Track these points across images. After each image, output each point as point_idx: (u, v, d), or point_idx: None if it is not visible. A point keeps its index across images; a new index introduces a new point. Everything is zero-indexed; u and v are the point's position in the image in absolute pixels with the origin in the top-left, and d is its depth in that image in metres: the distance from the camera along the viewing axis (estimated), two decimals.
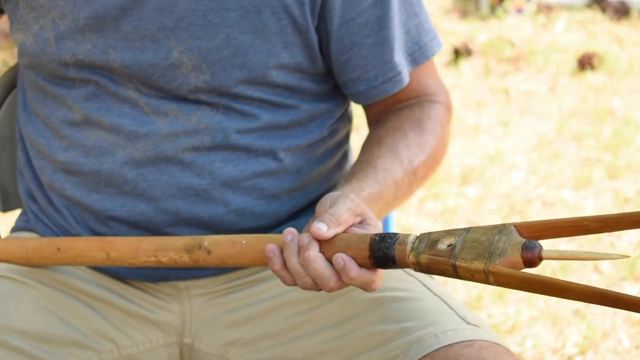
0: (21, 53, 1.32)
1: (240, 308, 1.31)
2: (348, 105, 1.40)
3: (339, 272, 1.07)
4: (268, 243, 1.12)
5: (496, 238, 1.01)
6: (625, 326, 2.35)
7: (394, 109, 1.34)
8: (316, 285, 1.09)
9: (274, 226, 1.32)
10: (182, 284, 1.32)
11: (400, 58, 1.30)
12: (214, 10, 1.22)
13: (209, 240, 1.17)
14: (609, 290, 0.94)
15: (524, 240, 1.00)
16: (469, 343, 1.15)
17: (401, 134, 1.28)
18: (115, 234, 1.30)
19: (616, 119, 3.90)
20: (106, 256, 1.22)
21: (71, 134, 1.29)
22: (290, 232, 1.09)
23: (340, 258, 1.05)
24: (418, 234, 1.07)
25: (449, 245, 1.03)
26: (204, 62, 1.23)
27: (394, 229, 1.59)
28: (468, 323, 1.19)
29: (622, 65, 4.53)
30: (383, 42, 1.28)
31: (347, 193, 1.13)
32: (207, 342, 1.31)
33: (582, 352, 2.24)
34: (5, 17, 1.36)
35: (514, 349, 2.26)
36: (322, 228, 1.07)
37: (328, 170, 1.37)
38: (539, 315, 2.40)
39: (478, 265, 1.00)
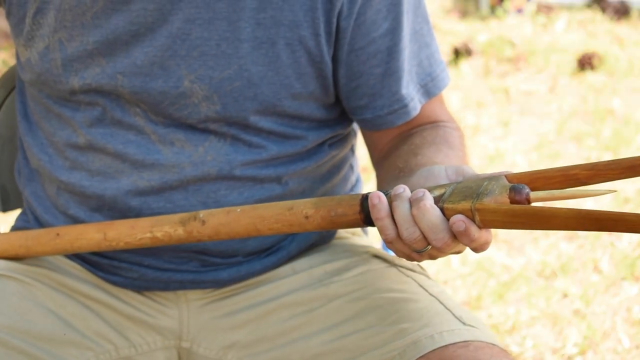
0: (24, 68, 1.30)
1: (237, 311, 1.30)
2: (353, 122, 1.39)
3: (458, 236, 1.02)
4: (264, 210, 1.13)
5: (485, 183, 1.01)
6: (625, 326, 2.35)
7: (411, 133, 1.32)
8: (424, 241, 1.04)
9: (278, 243, 1.33)
10: (180, 291, 1.32)
11: (409, 90, 1.29)
12: (228, 40, 1.20)
13: (204, 212, 1.18)
14: (593, 210, 0.93)
15: (511, 184, 1.00)
16: (465, 344, 1.15)
17: (434, 147, 1.25)
18: (116, 256, 1.30)
19: (616, 119, 3.91)
20: (103, 236, 1.22)
21: (75, 157, 1.28)
22: (402, 185, 1.06)
23: (462, 221, 1.01)
24: None
25: (439, 195, 1.03)
26: (215, 92, 1.22)
27: None
28: (464, 324, 1.19)
29: (622, 65, 4.53)
30: (391, 73, 1.26)
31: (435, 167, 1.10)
32: (205, 346, 1.31)
33: (582, 352, 2.24)
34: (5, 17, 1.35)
35: (514, 349, 2.26)
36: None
37: (334, 186, 1.37)
38: (539, 315, 2.40)
39: (465, 204, 0.99)
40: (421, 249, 1.05)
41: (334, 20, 1.22)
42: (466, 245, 1.04)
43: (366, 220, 1.07)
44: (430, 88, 1.31)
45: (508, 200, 0.99)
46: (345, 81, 1.27)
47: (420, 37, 1.29)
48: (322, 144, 1.32)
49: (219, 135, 1.25)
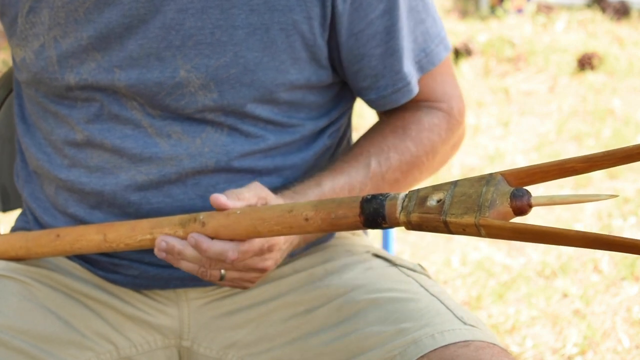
0: (20, 68, 1.30)
1: (238, 311, 1.30)
2: (349, 112, 1.39)
3: (197, 250, 1.14)
4: (265, 212, 1.12)
5: (484, 189, 1.00)
6: (625, 326, 2.36)
7: (389, 111, 1.34)
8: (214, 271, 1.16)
9: None
10: (180, 289, 1.32)
11: (409, 68, 1.30)
12: (222, 28, 1.21)
13: (204, 214, 1.18)
14: (602, 234, 0.93)
15: (512, 189, 0.99)
16: (466, 344, 1.15)
17: (379, 137, 1.29)
18: (116, 253, 1.30)
19: (616, 119, 3.91)
20: (103, 238, 1.22)
21: (74, 154, 1.28)
22: (162, 245, 1.16)
23: (191, 236, 1.14)
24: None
25: (438, 201, 1.02)
26: (212, 80, 1.22)
27: (393, 239, 1.60)
28: (465, 323, 1.19)
29: (622, 65, 4.53)
30: (392, 52, 1.27)
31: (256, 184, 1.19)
32: (206, 345, 1.31)
33: (582, 352, 2.24)
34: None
35: (514, 349, 2.26)
36: (221, 197, 1.13)
37: None
38: (539, 315, 2.40)
39: (468, 219, 0.99)
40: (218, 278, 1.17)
41: (328, 3, 1.22)
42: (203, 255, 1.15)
43: (366, 222, 1.07)
44: (424, 64, 1.32)
45: (510, 210, 0.98)
46: (347, 64, 1.28)
47: (416, 13, 1.30)
48: (318, 133, 1.32)
49: (216, 125, 1.25)
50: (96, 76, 1.23)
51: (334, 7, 1.22)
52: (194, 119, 1.25)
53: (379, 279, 1.28)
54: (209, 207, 1.25)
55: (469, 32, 5.08)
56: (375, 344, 1.19)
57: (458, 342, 1.15)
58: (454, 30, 5.13)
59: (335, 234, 1.39)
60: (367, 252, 1.35)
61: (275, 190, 1.22)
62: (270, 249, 1.16)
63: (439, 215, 1.01)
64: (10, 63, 1.39)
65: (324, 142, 1.32)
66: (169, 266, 1.29)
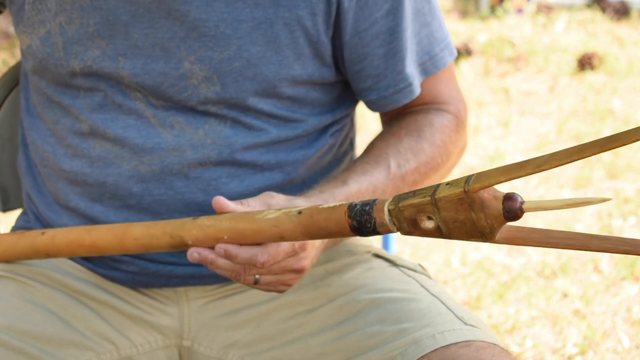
0: (26, 56, 1.30)
1: (238, 310, 1.30)
2: (353, 113, 1.40)
3: (227, 258, 1.11)
4: (253, 217, 1.10)
5: (474, 216, 0.95)
6: (625, 326, 2.36)
7: (400, 115, 1.34)
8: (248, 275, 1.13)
9: None
10: (181, 288, 1.32)
11: (412, 69, 1.30)
12: (226, 21, 1.21)
13: (192, 239, 1.14)
14: (597, 235, 0.92)
15: (500, 208, 0.94)
16: (466, 344, 1.15)
17: (395, 140, 1.28)
18: None
19: (616, 118, 3.91)
20: (92, 246, 1.21)
21: (77, 143, 1.28)
22: (194, 257, 1.13)
23: (219, 247, 1.10)
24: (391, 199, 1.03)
25: (434, 226, 0.98)
26: (215, 73, 1.22)
27: (393, 239, 1.60)
28: (465, 323, 1.19)
29: (622, 65, 4.53)
30: (395, 52, 1.27)
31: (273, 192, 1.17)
32: (206, 345, 1.31)
33: (582, 352, 2.24)
34: (5, 18, 1.35)
35: (514, 349, 2.26)
36: (222, 199, 1.12)
37: None
38: (539, 315, 2.40)
39: (478, 240, 0.97)
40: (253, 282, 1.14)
41: (334, 0, 1.22)
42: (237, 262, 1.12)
43: (353, 228, 1.04)
44: (428, 67, 1.32)
45: (506, 222, 0.95)
46: (349, 64, 1.28)
47: (422, 16, 1.30)
48: (321, 131, 1.32)
49: (219, 117, 1.25)
50: (100, 63, 1.24)
51: (339, 4, 1.23)
52: (196, 110, 1.25)
53: (379, 279, 1.28)
54: (210, 201, 1.25)
55: (469, 32, 5.08)
56: (375, 344, 1.19)
57: (459, 342, 1.15)
58: (454, 30, 5.13)
59: None
60: (368, 252, 1.35)
61: (300, 191, 1.20)
62: (303, 248, 1.12)
63: (441, 237, 0.99)
64: (10, 63, 1.39)
65: (326, 140, 1.32)
66: (169, 262, 1.29)
